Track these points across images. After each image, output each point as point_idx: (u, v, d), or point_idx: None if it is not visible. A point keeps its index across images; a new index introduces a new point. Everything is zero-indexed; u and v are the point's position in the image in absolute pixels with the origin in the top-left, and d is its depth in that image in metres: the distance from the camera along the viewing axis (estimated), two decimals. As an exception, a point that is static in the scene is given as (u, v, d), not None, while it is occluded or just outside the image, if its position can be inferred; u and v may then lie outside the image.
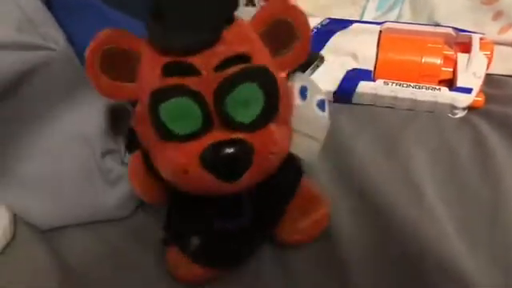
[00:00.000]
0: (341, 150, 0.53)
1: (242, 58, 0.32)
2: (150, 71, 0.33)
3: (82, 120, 0.47)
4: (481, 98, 0.58)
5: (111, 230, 0.48)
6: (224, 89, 0.31)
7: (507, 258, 0.43)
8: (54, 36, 0.49)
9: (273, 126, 0.34)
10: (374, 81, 0.59)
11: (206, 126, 0.32)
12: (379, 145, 0.54)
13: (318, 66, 0.61)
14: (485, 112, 0.58)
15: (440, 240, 0.44)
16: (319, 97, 0.42)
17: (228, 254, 0.42)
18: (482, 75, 0.57)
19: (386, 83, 0.58)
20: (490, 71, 0.60)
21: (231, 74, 0.31)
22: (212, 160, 0.32)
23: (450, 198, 0.48)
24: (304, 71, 0.60)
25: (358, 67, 0.60)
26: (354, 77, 0.59)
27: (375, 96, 0.59)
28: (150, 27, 0.32)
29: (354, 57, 0.61)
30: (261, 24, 0.34)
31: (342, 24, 0.65)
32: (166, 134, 0.32)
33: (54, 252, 0.46)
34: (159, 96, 0.31)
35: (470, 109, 0.58)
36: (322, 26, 0.66)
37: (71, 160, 0.46)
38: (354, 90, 0.59)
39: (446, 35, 0.62)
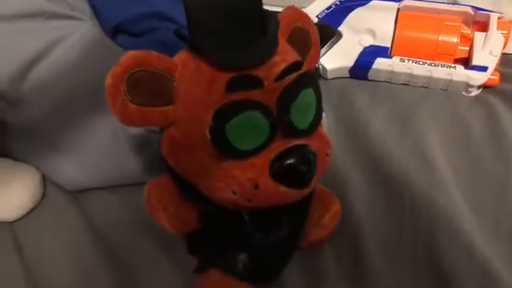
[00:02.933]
0: (357, 123, 0.55)
1: (295, 66, 0.32)
2: (203, 90, 0.31)
3: None
4: (496, 77, 0.58)
5: (136, 194, 0.48)
6: (289, 97, 0.31)
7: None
8: (81, 7, 0.51)
9: (320, 129, 0.34)
10: (390, 58, 0.60)
11: (271, 138, 0.31)
12: (394, 119, 0.55)
13: (335, 42, 0.62)
14: (499, 90, 0.58)
15: (449, 208, 0.46)
16: None
17: (271, 266, 0.42)
18: (499, 54, 0.58)
19: (402, 60, 0.59)
20: (506, 50, 0.61)
21: (292, 83, 0.31)
22: (284, 170, 0.31)
23: (461, 169, 0.50)
24: (322, 47, 0.62)
25: (375, 44, 0.61)
26: (370, 53, 0.60)
27: (391, 73, 0.60)
28: (206, 45, 0.31)
29: (372, 33, 0.61)
30: (283, 33, 0.35)
31: (361, 1, 0.65)
32: (230, 153, 0.31)
33: (82, 212, 0.48)
34: (227, 113, 0.30)
35: (485, 87, 0.59)
36: (340, 2, 0.66)
37: (98, 124, 0.48)
38: (371, 67, 0.60)
39: (464, 14, 0.62)
